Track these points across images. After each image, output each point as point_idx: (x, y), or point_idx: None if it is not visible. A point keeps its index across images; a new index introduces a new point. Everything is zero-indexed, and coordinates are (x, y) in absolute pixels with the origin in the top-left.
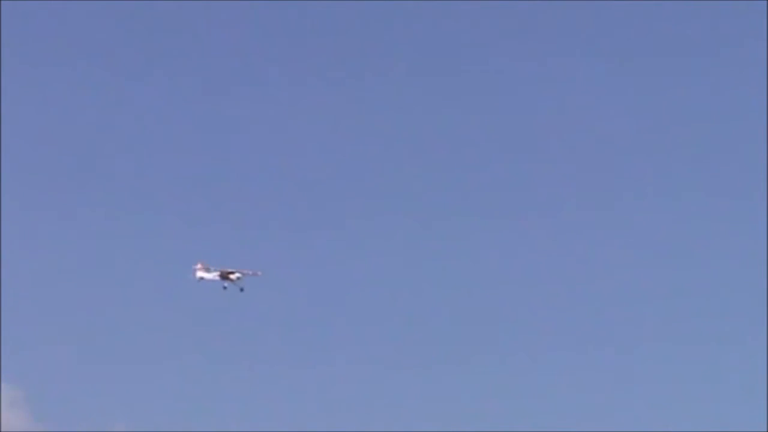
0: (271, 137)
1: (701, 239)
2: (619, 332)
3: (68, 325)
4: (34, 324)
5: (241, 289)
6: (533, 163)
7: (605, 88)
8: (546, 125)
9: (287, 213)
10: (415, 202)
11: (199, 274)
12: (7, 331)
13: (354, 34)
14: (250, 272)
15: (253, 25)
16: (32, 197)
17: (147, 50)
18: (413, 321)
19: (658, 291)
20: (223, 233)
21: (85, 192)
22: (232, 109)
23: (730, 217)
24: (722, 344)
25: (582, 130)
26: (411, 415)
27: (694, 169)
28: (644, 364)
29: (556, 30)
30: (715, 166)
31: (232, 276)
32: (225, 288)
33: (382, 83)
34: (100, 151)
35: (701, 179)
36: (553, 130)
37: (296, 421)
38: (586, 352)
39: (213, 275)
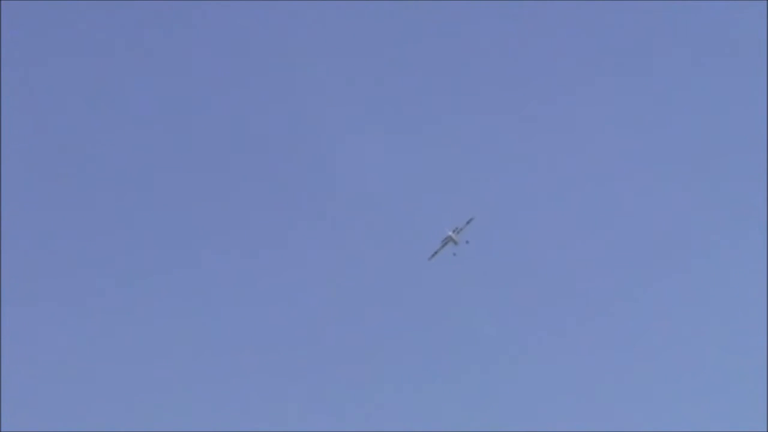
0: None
1: (701, 239)
2: (619, 332)
3: None
4: None
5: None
6: (529, 164)
7: (604, 87)
8: (543, 124)
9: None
10: (418, 202)
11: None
12: None
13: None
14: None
15: (253, 24)
16: (32, 197)
17: (148, 50)
18: (412, 323)
19: (658, 291)
20: None
21: (85, 193)
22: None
23: (731, 217)
24: (722, 344)
25: (580, 129)
26: (410, 416)
27: (693, 170)
28: (644, 364)
29: (556, 30)
30: (715, 166)
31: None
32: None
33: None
34: (101, 150)
35: (700, 180)
36: (551, 129)
37: (296, 421)
38: (585, 353)
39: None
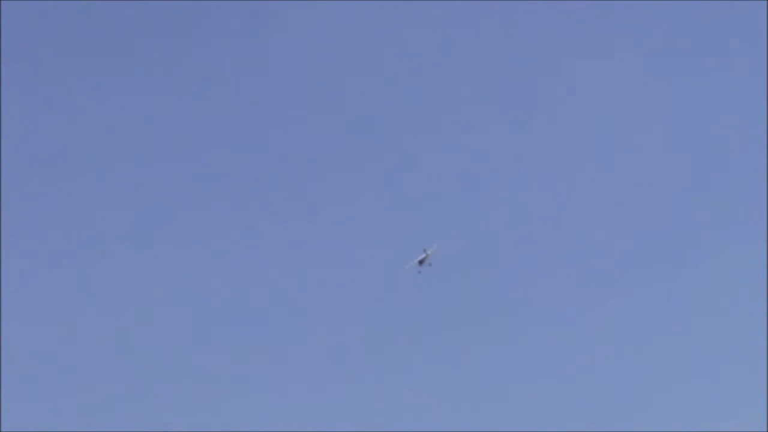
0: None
1: (701, 239)
2: (619, 332)
3: None
4: None
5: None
6: (530, 163)
7: (604, 87)
8: (546, 124)
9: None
10: (414, 201)
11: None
12: None
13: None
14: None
15: (251, 24)
16: (31, 199)
17: (147, 50)
18: (411, 320)
19: (658, 291)
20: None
21: (85, 193)
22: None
23: (730, 217)
24: (722, 344)
25: (581, 128)
26: (410, 416)
27: (693, 170)
28: (644, 364)
29: (556, 29)
30: (715, 166)
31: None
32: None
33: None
34: (101, 151)
35: (700, 180)
36: (553, 128)
37: (293, 421)
38: (585, 353)
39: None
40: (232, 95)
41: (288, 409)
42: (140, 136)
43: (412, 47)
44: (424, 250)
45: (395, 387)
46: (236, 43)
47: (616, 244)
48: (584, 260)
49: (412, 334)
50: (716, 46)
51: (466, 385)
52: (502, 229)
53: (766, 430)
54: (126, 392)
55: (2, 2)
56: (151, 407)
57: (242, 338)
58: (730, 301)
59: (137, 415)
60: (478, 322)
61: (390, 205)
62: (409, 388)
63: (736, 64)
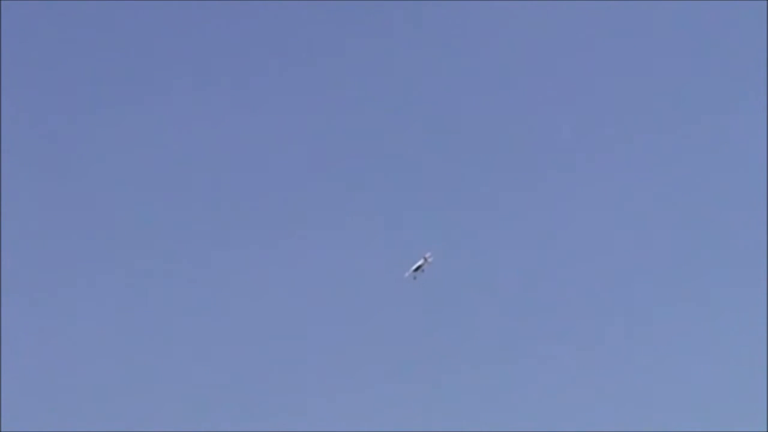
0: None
1: (701, 239)
2: (619, 332)
3: None
4: None
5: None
6: (531, 163)
7: (604, 88)
8: (543, 124)
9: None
10: (418, 200)
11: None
12: None
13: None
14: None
15: (250, 25)
16: (31, 198)
17: (146, 50)
18: (414, 321)
19: (658, 290)
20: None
21: (84, 191)
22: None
23: (730, 218)
24: (722, 344)
25: (580, 129)
26: (409, 416)
27: (693, 170)
28: (644, 364)
29: (555, 29)
30: (715, 166)
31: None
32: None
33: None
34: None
35: (700, 180)
36: (552, 128)
37: (292, 422)
38: (584, 353)
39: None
40: (229, 100)
41: (285, 411)
42: (141, 136)
43: (406, 49)
44: (425, 258)
45: (393, 391)
46: (235, 43)
47: (617, 250)
48: (584, 265)
49: (412, 341)
50: (716, 46)
51: (465, 390)
52: (504, 237)
53: (766, 430)
54: (126, 392)
55: (2, 2)
56: (151, 407)
57: (240, 340)
58: (730, 300)
59: (137, 415)
60: (479, 328)
61: (393, 211)
62: (407, 392)
63: (736, 64)
